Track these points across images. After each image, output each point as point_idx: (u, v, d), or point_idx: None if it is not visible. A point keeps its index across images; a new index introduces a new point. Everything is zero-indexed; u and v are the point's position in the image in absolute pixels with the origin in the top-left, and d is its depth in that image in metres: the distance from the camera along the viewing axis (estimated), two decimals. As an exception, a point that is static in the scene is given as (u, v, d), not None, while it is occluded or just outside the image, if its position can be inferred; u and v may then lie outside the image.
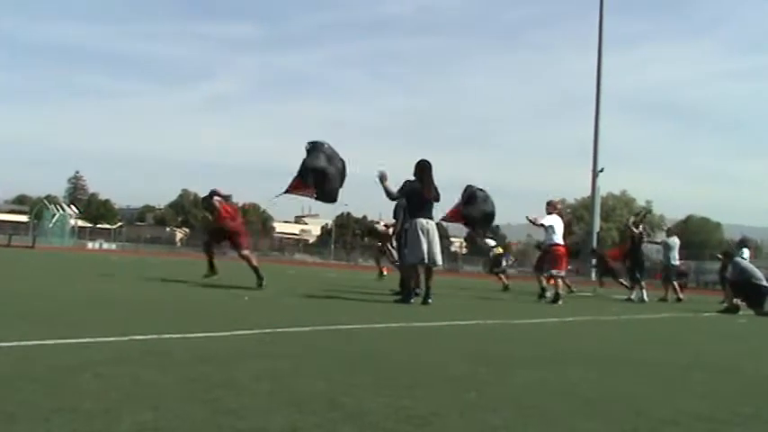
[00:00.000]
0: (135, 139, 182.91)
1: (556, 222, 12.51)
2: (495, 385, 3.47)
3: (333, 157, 10.97)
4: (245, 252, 11.41)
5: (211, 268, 11.56)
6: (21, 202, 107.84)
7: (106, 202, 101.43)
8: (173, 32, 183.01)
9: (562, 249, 12.62)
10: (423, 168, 9.66)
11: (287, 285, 12.89)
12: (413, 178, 9.68)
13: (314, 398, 2.81)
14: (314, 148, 10.92)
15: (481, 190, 12.33)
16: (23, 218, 76.74)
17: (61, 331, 4.36)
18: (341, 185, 11.11)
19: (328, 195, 11.02)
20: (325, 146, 10.99)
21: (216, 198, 11.82)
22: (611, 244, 69.48)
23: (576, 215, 78.92)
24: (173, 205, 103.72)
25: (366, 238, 15.57)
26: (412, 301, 9.23)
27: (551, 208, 12.68)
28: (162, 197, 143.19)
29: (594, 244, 37.35)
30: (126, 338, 4.20)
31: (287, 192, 10.91)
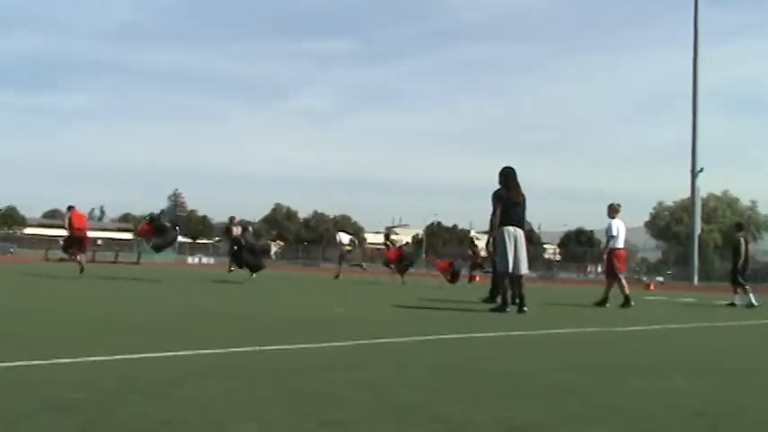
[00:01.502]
0: (230, 156, 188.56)
1: (620, 227, 12.35)
2: (600, 395, 3.35)
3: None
4: (84, 254, 16.36)
5: (81, 270, 15.40)
6: (126, 221, 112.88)
7: (204, 217, 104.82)
8: (263, 51, 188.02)
9: (623, 253, 12.59)
10: (507, 175, 9.58)
11: (380, 296, 12.94)
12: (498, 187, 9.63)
13: (416, 409, 2.78)
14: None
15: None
16: (129, 235, 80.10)
17: (165, 344, 4.50)
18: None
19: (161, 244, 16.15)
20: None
21: (71, 212, 16.10)
22: (713, 247, 66.71)
23: (675, 218, 76.26)
24: (266, 219, 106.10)
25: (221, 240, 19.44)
26: (508, 309, 9.09)
27: (613, 212, 12.45)
28: (256, 211, 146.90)
29: (696, 247, 36.00)
30: (225, 350, 4.29)
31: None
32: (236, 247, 17.10)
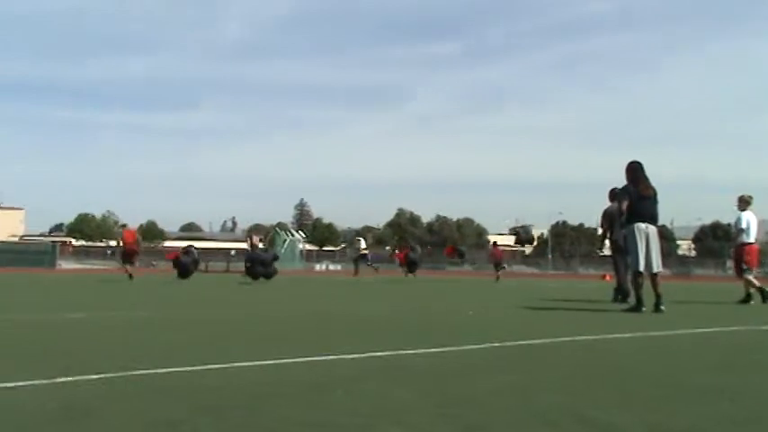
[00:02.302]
0: (351, 164, 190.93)
1: (752, 220, 11.65)
2: (751, 396, 3.19)
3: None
4: (133, 266, 20.13)
5: (130, 276, 19.13)
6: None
7: (329, 225, 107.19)
8: (376, 58, 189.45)
9: (754, 248, 11.97)
10: (634, 170, 9.30)
11: (508, 298, 12.81)
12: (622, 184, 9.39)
13: (559, 412, 2.74)
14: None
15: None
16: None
17: (306, 349, 4.64)
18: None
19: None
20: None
21: (123, 230, 21.26)
22: None
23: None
24: (390, 224, 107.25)
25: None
26: (643, 309, 8.79)
27: (743, 204, 11.73)
28: (379, 217, 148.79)
29: None
30: (365, 355, 4.38)
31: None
32: (248, 264, 19.86)
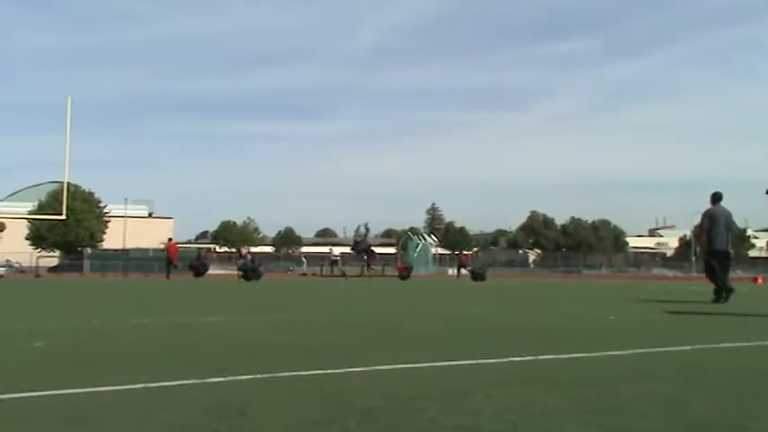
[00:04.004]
0: (482, 167, 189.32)
1: None
2: None
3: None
4: (172, 272, 29.83)
5: (168, 277, 28.54)
6: (388, 236, 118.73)
7: (461, 229, 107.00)
8: (507, 60, 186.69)
9: None
10: None
11: (650, 302, 12.31)
12: None
13: (712, 422, 2.62)
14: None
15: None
16: (392, 249, 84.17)
17: (442, 354, 4.66)
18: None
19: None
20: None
21: (169, 243, 31.15)
22: None
23: None
24: (523, 227, 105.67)
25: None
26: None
27: None
28: (512, 220, 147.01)
29: None
30: (505, 360, 4.35)
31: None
32: (244, 269, 28.33)
